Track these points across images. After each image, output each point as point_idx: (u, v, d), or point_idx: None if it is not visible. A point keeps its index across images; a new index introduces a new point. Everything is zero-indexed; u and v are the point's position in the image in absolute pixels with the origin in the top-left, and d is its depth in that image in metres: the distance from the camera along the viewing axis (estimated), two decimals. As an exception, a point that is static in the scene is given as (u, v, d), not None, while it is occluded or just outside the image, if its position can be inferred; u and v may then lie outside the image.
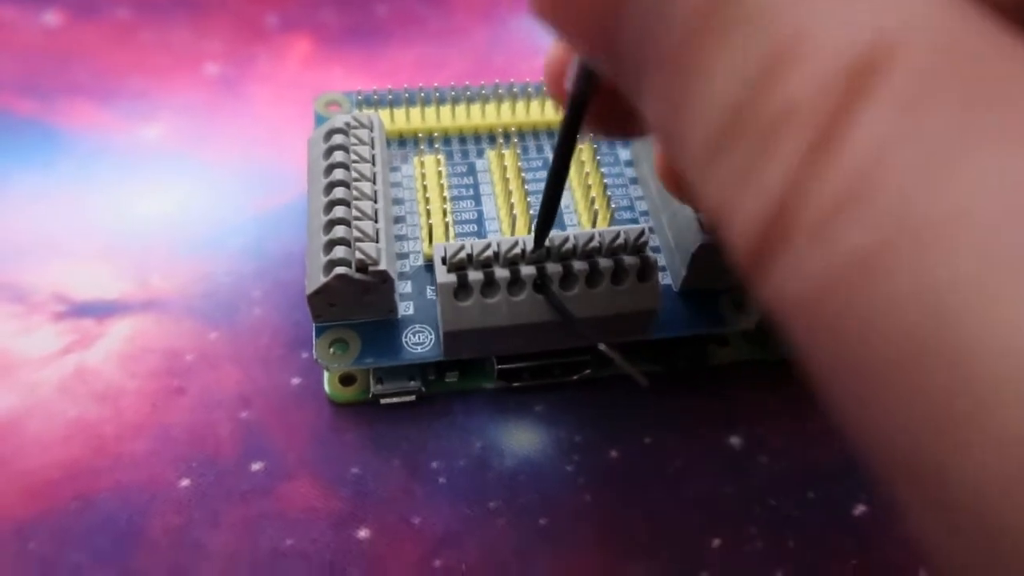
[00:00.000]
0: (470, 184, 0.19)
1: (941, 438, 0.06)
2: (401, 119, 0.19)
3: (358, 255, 0.15)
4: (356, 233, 0.15)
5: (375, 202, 0.16)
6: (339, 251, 0.15)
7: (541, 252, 0.15)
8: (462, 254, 0.15)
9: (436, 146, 0.19)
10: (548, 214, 0.14)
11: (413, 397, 0.17)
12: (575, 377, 0.18)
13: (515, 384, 0.17)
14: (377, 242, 0.15)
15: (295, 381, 0.18)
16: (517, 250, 0.15)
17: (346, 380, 0.17)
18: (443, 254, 0.15)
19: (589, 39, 0.09)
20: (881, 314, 0.06)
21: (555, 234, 0.15)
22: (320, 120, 0.20)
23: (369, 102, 0.20)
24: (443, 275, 0.15)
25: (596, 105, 0.11)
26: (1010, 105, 0.06)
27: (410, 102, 0.20)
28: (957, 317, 0.06)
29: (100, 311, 0.19)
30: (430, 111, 0.20)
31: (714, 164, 0.07)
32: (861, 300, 0.06)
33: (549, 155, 0.19)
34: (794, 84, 0.07)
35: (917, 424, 0.06)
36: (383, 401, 0.17)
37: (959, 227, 0.06)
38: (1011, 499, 0.06)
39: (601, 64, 0.09)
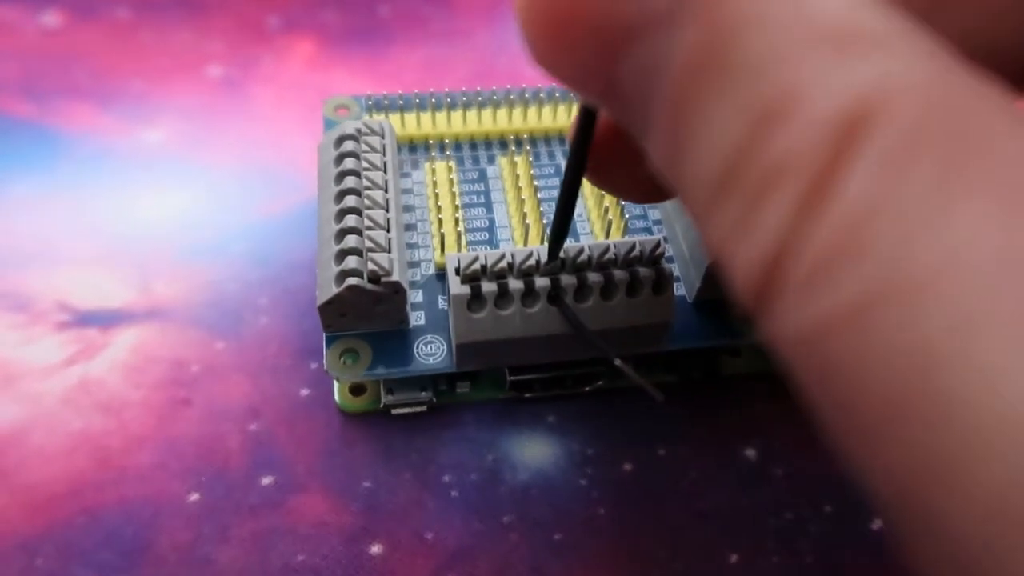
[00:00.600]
0: (481, 191, 0.18)
1: (930, 481, 0.06)
2: (412, 124, 0.19)
3: (370, 266, 0.15)
4: (368, 243, 0.15)
5: (387, 211, 0.16)
6: (351, 261, 0.15)
7: (555, 264, 0.15)
8: (476, 265, 0.15)
9: (447, 152, 0.19)
10: (561, 228, 0.14)
11: (424, 408, 0.17)
12: (587, 388, 0.17)
13: (527, 395, 0.17)
14: (389, 252, 0.15)
15: (304, 392, 0.18)
16: (531, 261, 0.15)
17: (356, 390, 0.17)
18: (456, 265, 0.15)
19: (588, 88, 0.09)
20: (872, 362, 0.06)
21: (570, 245, 0.15)
22: (329, 125, 0.19)
23: (379, 106, 0.19)
24: (456, 286, 0.15)
25: (602, 160, 0.12)
26: (993, 160, 0.06)
27: (420, 107, 0.19)
28: (942, 369, 0.06)
29: (103, 320, 0.18)
30: (441, 116, 0.19)
31: (714, 210, 0.08)
32: (852, 348, 0.07)
33: (561, 162, 0.19)
34: (785, 139, 0.07)
35: (907, 467, 0.06)
36: (394, 411, 0.17)
37: (942, 283, 0.06)
38: (995, 547, 0.06)
39: (603, 107, 0.09)
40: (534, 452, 0.17)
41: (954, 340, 0.06)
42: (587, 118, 0.11)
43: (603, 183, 0.13)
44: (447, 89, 0.20)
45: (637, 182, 0.12)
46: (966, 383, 0.06)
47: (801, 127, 0.07)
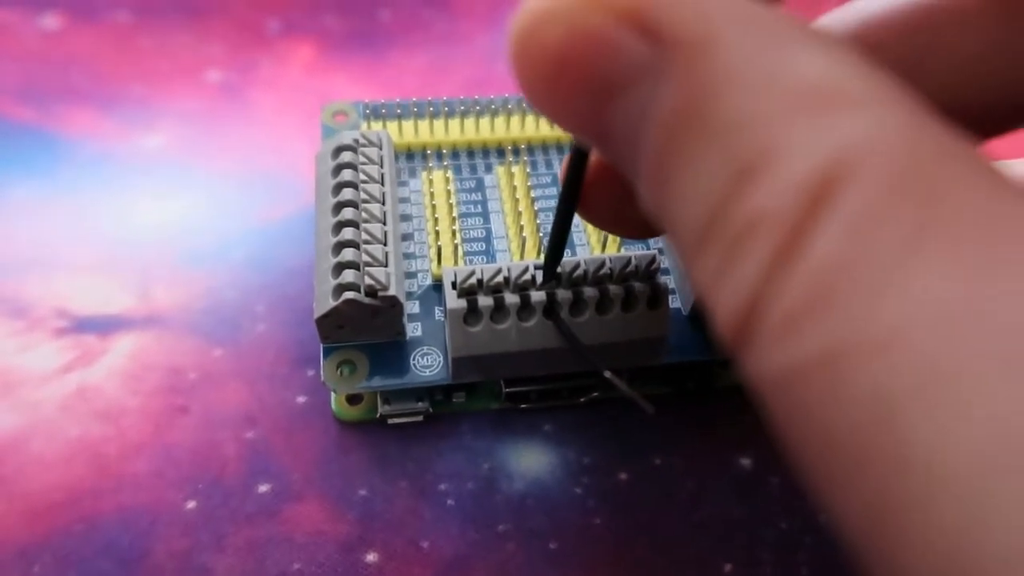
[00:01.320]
0: (479, 200, 0.18)
1: (889, 526, 0.07)
2: (409, 132, 0.19)
3: (367, 280, 0.15)
4: (365, 257, 0.15)
5: (384, 224, 0.16)
6: (348, 275, 0.15)
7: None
8: (472, 279, 0.15)
9: (445, 162, 0.19)
10: (556, 250, 0.14)
11: (421, 418, 0.17)
12: (582, 400, 0.17)
13: (523, 406, 0.17)
14: (387, 266, 0.15)
15: (301, 399, 0.18)
16: (528, 276, 0.15)
17: (353, 399, 0.17)
18: (453, 279, 0.15)
19: (581, 131, 0.09)
20: (837, 410, 0.07)
21: (566, 260, 0.15)
22: (327, 132, 0.19)
23: (376, 114, 0.19)
24: (453, 300, 0.15)
25: (593, 197, 0.12)
26: (958, 221, 0.07)
27: (418, 114, 0.19)
28: (901, 421, 0.06)
29: (102, 327, 0.18)
30: (439, 124, 0.19)
31: (698, 255, 0.08)
32: (819, 396, 0.07)
33: (558, 170, 0.19)
34: (761, 197, 0.07)
35: (869, 511, 0.07)
36: (390, 421, 0.17)
37: (902, 341, 0.06)
38: None
39: (596, 149, 0.10)
40: (530, 461, 0.17)
41: (913, 395, 0.06)
42: (579, 158, 0.12)
43: (594, 220, 0.13)
44: (445, 96, 0.20)
45: (627, 219, 0.13)
46: (924, 437, 0.06)
47: (775, 186, 0.07)
